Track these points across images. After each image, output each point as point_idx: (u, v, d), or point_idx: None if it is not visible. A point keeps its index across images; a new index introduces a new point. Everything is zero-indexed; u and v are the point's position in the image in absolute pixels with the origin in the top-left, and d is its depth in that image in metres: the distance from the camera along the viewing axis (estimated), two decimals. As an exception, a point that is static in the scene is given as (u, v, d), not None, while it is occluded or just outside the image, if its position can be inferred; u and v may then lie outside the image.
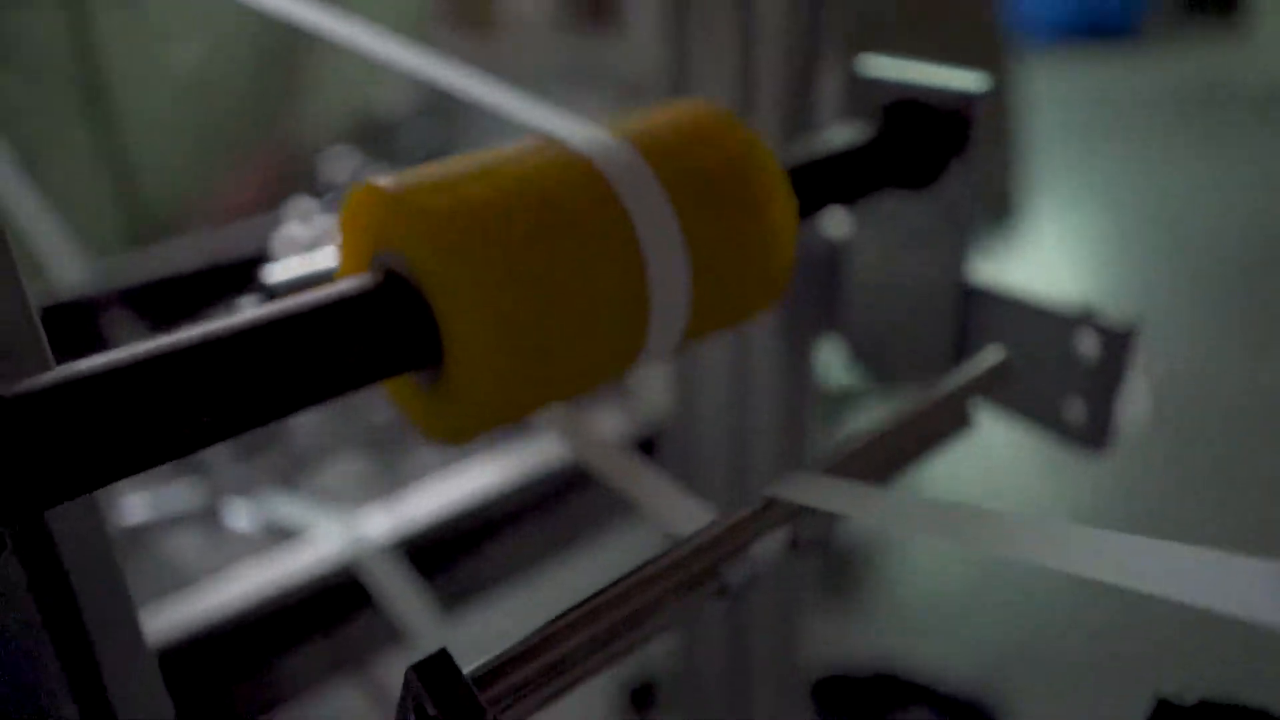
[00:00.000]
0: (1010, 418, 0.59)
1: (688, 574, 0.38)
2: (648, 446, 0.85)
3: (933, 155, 0.56)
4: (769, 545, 0.42)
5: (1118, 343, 0.53)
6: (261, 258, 0.69)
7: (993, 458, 2.37)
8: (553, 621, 0.35)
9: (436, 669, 0.31)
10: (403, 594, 0.68)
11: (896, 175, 0.55)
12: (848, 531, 2.05)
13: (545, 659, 0.34)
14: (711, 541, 0.38)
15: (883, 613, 1.90)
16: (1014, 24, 2.98)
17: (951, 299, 0.59)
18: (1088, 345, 0.54)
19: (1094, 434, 0.55)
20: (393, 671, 1.01)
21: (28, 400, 0.29)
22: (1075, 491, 2.26)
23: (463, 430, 0.40)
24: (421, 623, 0.68)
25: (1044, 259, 3.26)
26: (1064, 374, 0.55)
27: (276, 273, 0.50)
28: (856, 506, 0.36)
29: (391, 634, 0.72)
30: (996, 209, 3.50)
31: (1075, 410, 0.56)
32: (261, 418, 0.35)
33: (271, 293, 0.49)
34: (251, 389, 0.34)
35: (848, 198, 0.53)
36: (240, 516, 0.77)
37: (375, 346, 0.37)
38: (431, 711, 0.31)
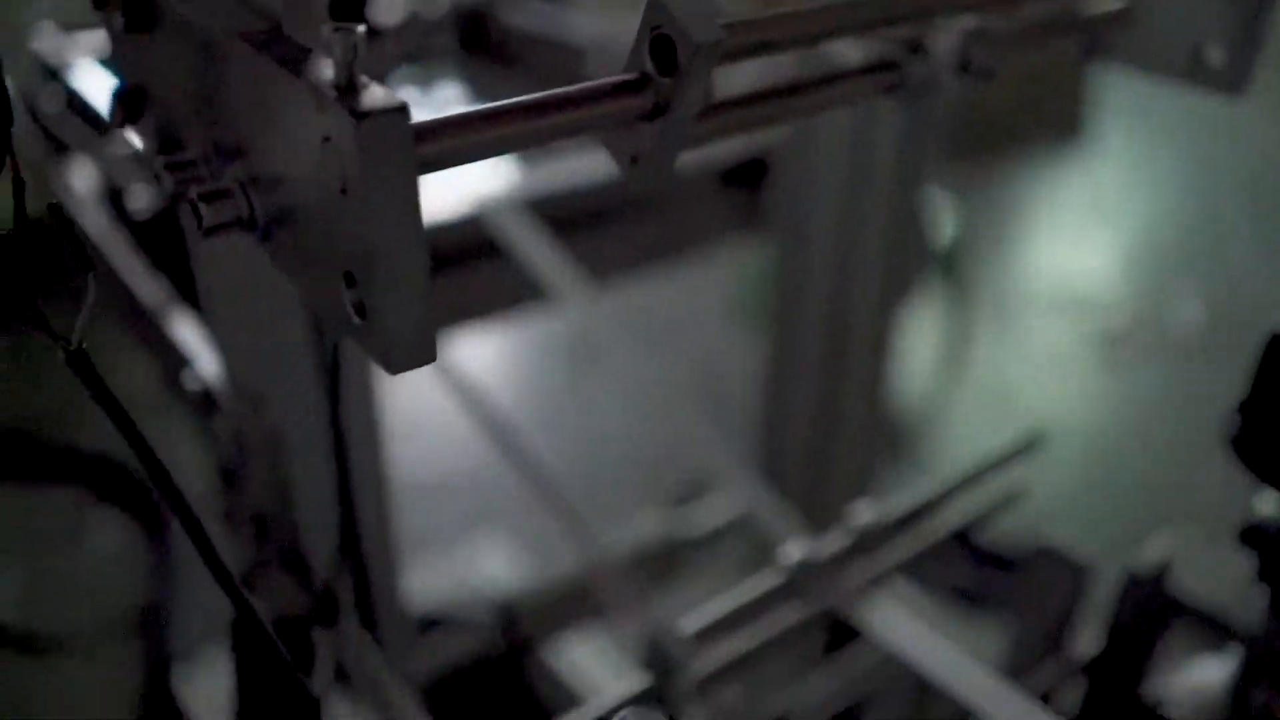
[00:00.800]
0: (1146, 73, 0.60)
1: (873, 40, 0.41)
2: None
3: None
4: (949, 45, 0.44)
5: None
6: None
7: (1044, 356, 2.39)
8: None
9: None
10: (538, 250, 0.71)
11: None
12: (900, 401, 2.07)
13: (760, 36, 0.36)
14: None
15: (927, 467, 1.93)
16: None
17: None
18: (1237, -27, 0.55)
19: (1233, 76, 0.57)
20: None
21: None
22: (1132, 392, 2.28)
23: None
24: (560, 280, 0.70)
25: (1108, 177, 3.23)
26: (1205, 13, 0.56)
27: None
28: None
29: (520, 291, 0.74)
30: (1063, 127, 3.47)
31: (1215, 54, 0.57)
32: None
33: None
34: None
35: None
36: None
37: None
38: (670, 35, 0.34)
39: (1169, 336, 2.46)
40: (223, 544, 0.61)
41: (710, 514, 0.94)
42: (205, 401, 0.57)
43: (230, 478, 0.59)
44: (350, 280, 0.32)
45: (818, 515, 0.93)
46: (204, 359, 0.58)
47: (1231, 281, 2.68)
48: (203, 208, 0.36)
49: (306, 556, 0.56)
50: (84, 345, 0.35)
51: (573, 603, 0.85)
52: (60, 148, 0.84)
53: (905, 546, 0.61)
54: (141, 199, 0.67)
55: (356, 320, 0.32)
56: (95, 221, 0.73)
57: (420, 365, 0.32)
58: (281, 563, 0.56)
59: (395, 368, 0.31)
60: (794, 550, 0.57)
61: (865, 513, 0.60)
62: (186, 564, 1.80)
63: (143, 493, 1.86)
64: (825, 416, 0.90)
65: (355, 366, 0.53)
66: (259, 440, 0.54)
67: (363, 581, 0.59)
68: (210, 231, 0.37)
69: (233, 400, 0.55)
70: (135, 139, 0.64)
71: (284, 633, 0.58)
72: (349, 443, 0.55)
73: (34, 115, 0.86)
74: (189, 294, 0.65)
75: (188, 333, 0.61)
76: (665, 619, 0.52)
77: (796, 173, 0.81)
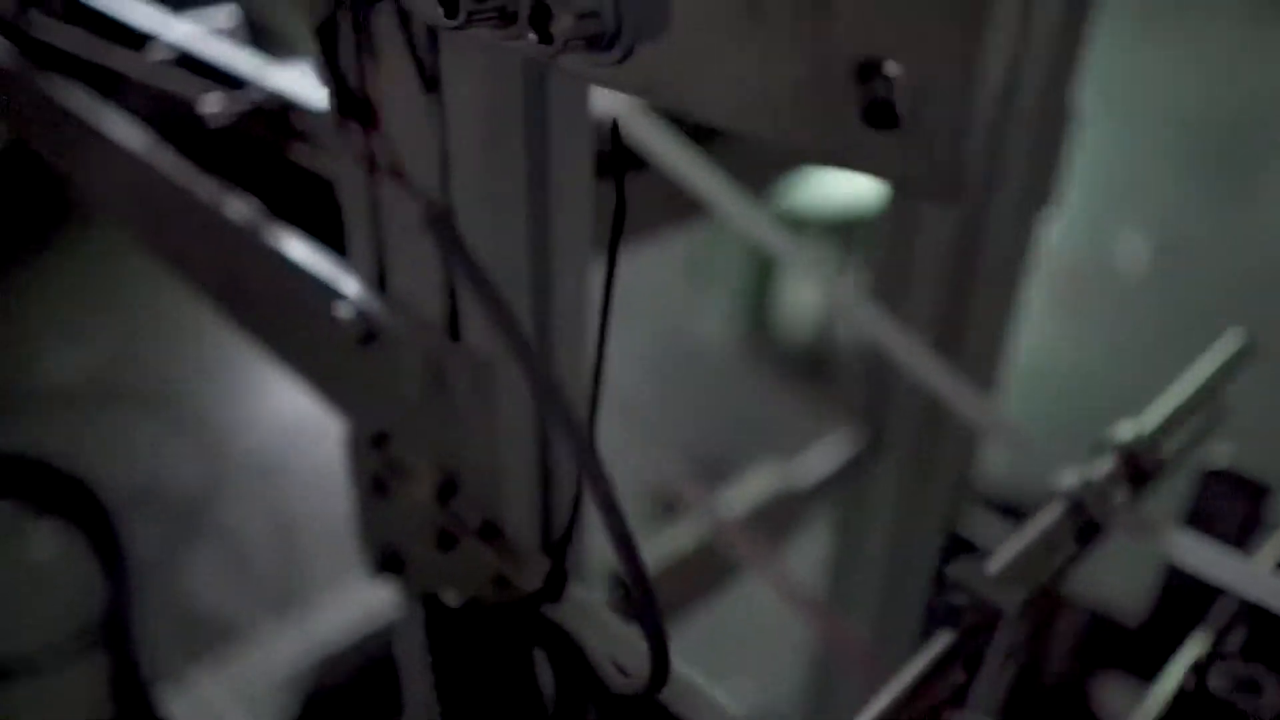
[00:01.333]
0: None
1: None
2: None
3: None
4: None
5: None
6: None
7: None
8: None
9: None
10: (681, 158, 0.61)
11: None
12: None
13: None
14: None
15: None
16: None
17: None
18: None
19: None
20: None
21: None
22: (1072, 323, 2.30)
23: None
24: (710, 189, 0.61)
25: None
26: None
27: None
28: None
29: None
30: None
31: None
32: None
33: None
34: None
35: None
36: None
37: None
38: None
39: (1117, 272, 2.50)
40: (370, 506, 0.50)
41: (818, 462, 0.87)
42: (365, 333, 0.46)
43: (382, 436, 0.48)
44: (869, 72, 0.22)
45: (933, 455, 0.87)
46: (349, 284, 0.47)
47: (1167, 217, 2.75)
48: (558, 10, 0.26)
49: (503, 520, 0.46)
50: (449, 209, 0.24)
51: (692, 569, 0.76)
52: (55, 67, 0.70)
53: (1157, 464, 0.54)
54: (215, 104, 0.55)
55: (864, 132, 0.23)
56: (139, 141, 0.60)
57: (978, 194, 0.23)
58: (477, 531, 0.46)
59: (960, 192, 0.22)
60: (1069, 475, 0.49)
61: (1125, 431, 0.52)
62: (141, 575, 1.63)
63: (87, 499, 1.67)
64: (945, 353, 0.83)
65: (567, 264, 0.43)
66: (453, 373, 0.43)
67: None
68: (562, 49, 0.27)
69: (408, 329, 0.44)
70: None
71: (486, 614, 0.47)
72: (555, 368, 0.45)
73: (17, 38, 0.72)
74: (280, 213, 0.54)
75: (307, 253, 0.50)
76: (973, 563, 0.43)
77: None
